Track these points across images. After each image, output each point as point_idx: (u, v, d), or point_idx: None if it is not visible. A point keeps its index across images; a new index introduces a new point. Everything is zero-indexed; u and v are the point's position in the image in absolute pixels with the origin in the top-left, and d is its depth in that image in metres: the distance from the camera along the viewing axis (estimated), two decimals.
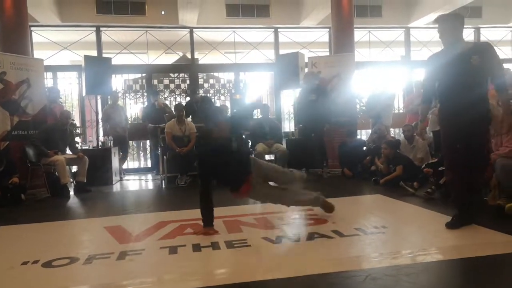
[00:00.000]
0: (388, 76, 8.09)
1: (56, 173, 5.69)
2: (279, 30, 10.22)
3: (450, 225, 3.06)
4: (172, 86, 9.69)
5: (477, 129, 3.01)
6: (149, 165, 8.94)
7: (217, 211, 3.95)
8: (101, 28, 9.29)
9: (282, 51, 9.89)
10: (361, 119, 7.99)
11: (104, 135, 7.50)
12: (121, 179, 7.25)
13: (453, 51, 3.06)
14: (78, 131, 7.64)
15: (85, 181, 5.87)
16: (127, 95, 9.47)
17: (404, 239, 2.98)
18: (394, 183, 5.02)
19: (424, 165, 4.77)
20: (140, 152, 9.94)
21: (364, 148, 6.48)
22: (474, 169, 3.07)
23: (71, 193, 5.71)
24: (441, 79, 3.16)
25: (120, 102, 8.76)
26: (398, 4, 10.38)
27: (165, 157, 6.27)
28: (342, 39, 8.23)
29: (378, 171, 5.61)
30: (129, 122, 8.35)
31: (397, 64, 10.76)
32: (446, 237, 2.92)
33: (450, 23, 3.10)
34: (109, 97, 8.03)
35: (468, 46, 3.10)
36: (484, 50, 3.04)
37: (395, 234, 3.06)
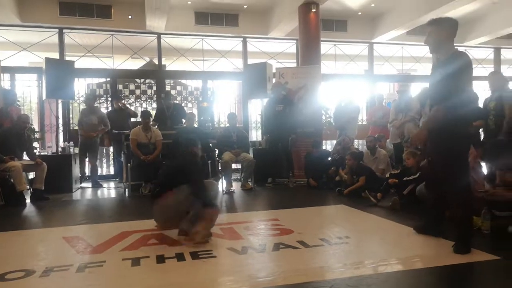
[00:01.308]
0: (354, 89, 8.34)
1: (12, 180, 5.40)
2: (247, 39, 10.31)
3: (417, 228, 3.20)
4: (138, 91, 9.51)
5: (444, 143, 2.86)
6: (111, 172, 8.67)
7: None
8: (64, 30, 9.00)
9: (250, 61, 9.99)
10: (326, 130, 8.18)
11: (68, 141, 7.17)
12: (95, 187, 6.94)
13: (435, 59, 3.02)
14: (36, 135, 7.31)
15: (43, 188, 5.61)
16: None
17: (367, 250, 3.06)
18: (357, 193, 5.15)
19: (388, 175, 4.93)
20: (103, 158, 9.63)
21: (329, 158, 6.61)
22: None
23: (27, 201, 5.44)
24: (429, 89, 3.19)
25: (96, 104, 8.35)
26: (362, 20, 10.77)
27: (129, 164, 6.12)
28: (309, 51, 8.42)
29: (342, 182, 5.74)
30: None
31: (361, 78, 11.13)
32: (407, 248, 3.02)
33: (435, 27, 2.92)
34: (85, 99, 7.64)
35: (447, 55, 2.91)
36: (452, 58, 2.86)
37: (358, 245, 3.13)
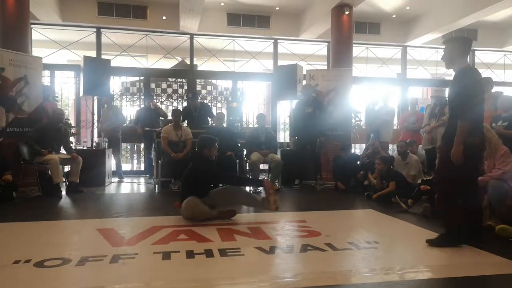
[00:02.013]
0: (388, 91, 8.19)
1: (49, 172, 5.65)
2: (278, 41, 10.34)
3: (431, 243, 3.14)
4: (169, 90, 9.71)
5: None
6: (142, 168, 8.91)
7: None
8: (101, 30, 9.32)
9: (280, 62, 10.01)
10: (355, 134, 8.08)
11: (98, 136, 7.49)
12: (120, 181, 7.24)
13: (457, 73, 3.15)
14: (72, 130, 7.61)
15: (78, 181, 5.84)
16: (124, 97, 9.46)
17: (396, 256, 3.02)
18: (386, 198, 5.07)
19: (420, 181, 4.82)
20: (134, 154, 9.90)
21: (358, 162, 6.53)
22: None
23: (63, 193, 5.67)
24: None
25: (117, 104, 8.77)
26: (396, 23, 10.58)
27: (159, 161, 6.27)
28: (340, 54, 8.36)
29: (371, 186, 5.66)
30: (125, 124, 8.31)
31: (393, 81, 10.92)
32: (437, 256, 2.96)
33: (450, 46, 3.15)
34: (103, 99, 8.01)
35: (457, 70, 3.13)
36: (459, 75, 3.08)
37: (387, 250, 3.09)
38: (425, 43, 10.74)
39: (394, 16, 10.23)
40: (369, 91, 10.25)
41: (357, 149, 9.79)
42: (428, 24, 9.95)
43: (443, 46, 3.23)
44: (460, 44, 3.15)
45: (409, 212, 4.50)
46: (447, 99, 3.35)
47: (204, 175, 4.09)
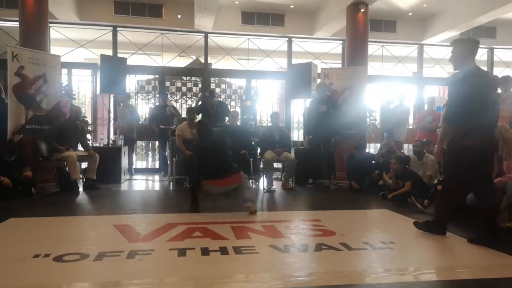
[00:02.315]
0: (403, 90, 8.09)
1: (67, 169, 5.75)
2: (293, 39, 10.31)
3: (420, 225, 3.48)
4: (184, 89, 9.79)
5: (465, 153, 3.12)
6: (157, 165, 9.00)
7: (225, 217, 4.03)
8: (117, 28, 9.44)
9: (294, 61, 9.98)
10: (370, 133, 8.01)
11: (114, 134, 7.60)
12: (129, 178, 7.34)
13: (458, 75, 3.26)
14: (89, 128, 7.73)
15: (95, 178, 5.93)
16: (139, 95, 9.57)
17: (412, 256, 2.99)
18: (402, 199, 5.02)
19: (436, 182, 4.76)
20: (149, 152, 10.01)
21: (373, 162, 6.47)
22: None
23: (80, 189, 5.77)
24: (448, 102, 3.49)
25: (132, 102, 8.88)
26: (412, 21, 10.44)
27: (174, 159, 6.32)
28: (355, 52, 8.30)
29: (386, 186, 5.61)
30: (140, 122, 8.43)
31: (409, 80, 10.79)
32: (455, 257, 2.93)
33: (458, 47, 3.24)
34: (119, 97, 8.14)
35: (462, 72, 3.22)
36: (468, 78, 3.13)
37: (402, 251, 3.06)
38: (442, 41, 10.58)
39: (410, 13, 10.10)
40: (385, 89, 10.15)
41: (372, 148, 9.71)
42: (446, 22, 9.79)
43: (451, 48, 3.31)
44: (468, 46, 3.21)
45: (425, 213, 4.44)
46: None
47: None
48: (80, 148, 6.21)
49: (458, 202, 3.53)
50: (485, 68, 10.26)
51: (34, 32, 6.70)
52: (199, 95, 9.66)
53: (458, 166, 3.20)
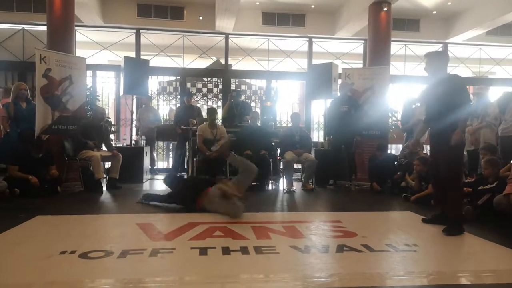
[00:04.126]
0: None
1: (91, 168, 5.89)
2: (313, 39, 10.25)
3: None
4: (204, 90, 9.88)
5: (448, 152, 3.58)
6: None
7: (246, 217, 4.04)
8: (140, 31, 9.61)
9: (315, 61, 9.92)
10: (392, 134, 7.88)
11: (136, 134, 7.73)
12: (151, 178, 7.47)
13: (431, 79, 3.82)
14: (112, 128, 7.90)
15: (118, 177, 6.05)
16: (160, 96, 9.71)
17: (436, 259, 2.92)
18: (425, 201, 4.91)
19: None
20: (170, 153, 10.14)
21: (395, 163, 6.37)
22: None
23: (104, 188, 5.90)
24: (426, 104, 3.94)
25: (153, 104, 9.02)
26: (436, 19, 10.22)
27: (195, 159, 6.38)
28: (378, 52, 8.18)
29: (409, 188, 5.51)
30: (161, 122, 8.55)
31: None
32: (480, 260, 2.84)
33: (428, 59, 3.80)
34: (141, 99, 8.28)
35: (441, 77, 3.70)
36: (450, 81, 3.64)
37: (427, 254, 3.00)
38: (467, 40, 10.31)
39: (434, 12, 9.89)
40: (407, 90, 9.96)
41: (393, 149, 9.55)
42: (471, 20, 9.54)
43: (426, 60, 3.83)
44: (443, 58, 3.88)
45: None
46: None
47: None
48: (104, 148, 6.35)
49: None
50: None
51: (61, 35, 6.88)
52: (220, 96, 9.74)
53: (459, 162, 3.76)
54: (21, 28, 9.18)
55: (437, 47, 10.63)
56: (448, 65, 10.35)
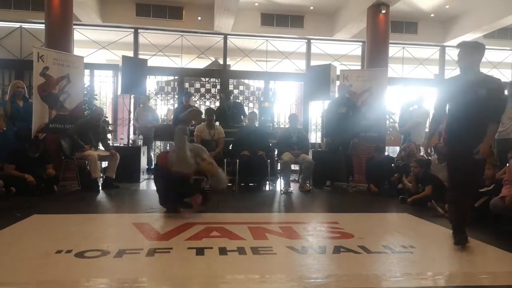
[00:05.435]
0: (424, 93, 7.95)
1: (88, 168, 5.87)
2: (312, 41, 10.27)
3: (457, 242, 3.15)
4: (202, 90, 9.87)
5: (475, 160, 3.10)
6: None
7: (243, 217, 4.04)
8: (139, 30, 9.59)
9: (313, 62, 9.94)
10: (390, 136, 7.90)
11: (134, 134, 7.72)
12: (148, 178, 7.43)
13: (465, 78, 3.17)
14: (109, 128, 7.87)
15: (114, 177, 6.03)
16: (158, 96, 9.70)
17: (433, 261, 2.92)
18: (422, 202, 4.92)
19: None
20: None
21: (392, 165, 6.38)
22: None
23: (100, 187, 5.87)
24: (451, 104, 3.30)
25: (151, 104, 9.00)
26: (435, 22, 10.27)
27: None
28: (376, 54, 8.20)
29: (405, 190, 5.52)
30: (159, 122, 8.53)
31: (430, 82, 10.60)
32: (477, 262, 2.85)
33: (467, 50, 3.16)
34: (140, 98, 8.27)
35: (480, 77, 3.15)
36: (492, 86, 3.10)
37: (423, 255, 3.00)
38: None
39: (432, 15, 9.93)
40: (405, 92, 10.00)
41: (390, 151, 9.57)
42: (469, 23, 9.59)
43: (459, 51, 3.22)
44: (480, 50, 3.17)
45: (446, 217, 4.33)
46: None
47: None
48: (101, 147, 6.33)
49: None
50: None
51: (59, 34, 6.87)
52: (218, 96, 9.73)
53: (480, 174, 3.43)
54: (19, 26, 9.14)
55: (434, 50, 10.67)
56: (445, 68, 10.31)
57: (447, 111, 3.34)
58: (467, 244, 3.13)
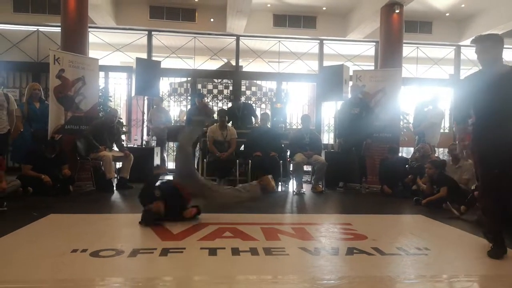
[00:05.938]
0: (439, 94, 7.84)
1: (103, 168, 5.95)
2: (324, 41, 10.22)
3: (493, 255, 2.92)
4: (215, 91, 9.91)
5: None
6: None
7: (255, 218, 4.05)
8: (152, 32, 9.69)
9: (326, 63, 9.89)
10: (403, 136, 7.81)
11: (147, 135, 7.80)
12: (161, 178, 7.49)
13: (491, 72, 2.98)
14: (124, 129, 7.97)
15: (128, 177, 6.10)
16: (171, 97, 9.78)
17: (448, 264, 2.87)
18: (437, 204, 4.86)
19: (474, 187, 4.57)
20: None
21: (406, 166, 6.31)
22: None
23: (115, 188, 5.95)
24: (477, 101, 3.08)
25: (164, 105, 9.07)
26: (449, 21, 10.11)
27: (205, 160, 6.41)
28: (389, 54, 8.13)
29: (420, 191, 5.45)
30: (172, 123, 8.60)
31: (445, 83, 10.44)
32: (492, 265, 2.79)
33: (490, 43, 2.98)
34: (153, 99, 8.34)
35: (506, 69, 3.00)
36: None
37: (438, 257, 2.96)
38: None
39: (447, 14, 9.78)
40: (419, 92, 9.87)
41: (404, 153, 9.46)
42: (485, 22, 9.41)
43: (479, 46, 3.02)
44: (501, 42, 3.00)
45: (462, 219, 4.28)
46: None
47: None
48: (115, 148, 6.41)
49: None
50: None
51: (75, 37, 6.99)
52: (230, 97, 9.77)
53: None
54: (35, 29, 9.32)
55: (449, 50, 10.51)
56: (461, 68, 10.13)
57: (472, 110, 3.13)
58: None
